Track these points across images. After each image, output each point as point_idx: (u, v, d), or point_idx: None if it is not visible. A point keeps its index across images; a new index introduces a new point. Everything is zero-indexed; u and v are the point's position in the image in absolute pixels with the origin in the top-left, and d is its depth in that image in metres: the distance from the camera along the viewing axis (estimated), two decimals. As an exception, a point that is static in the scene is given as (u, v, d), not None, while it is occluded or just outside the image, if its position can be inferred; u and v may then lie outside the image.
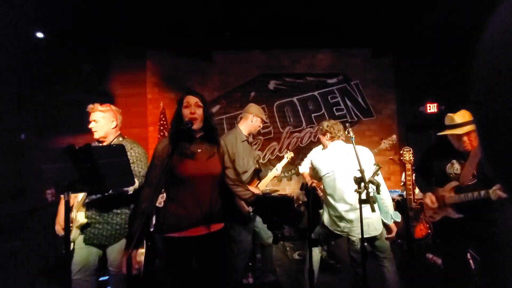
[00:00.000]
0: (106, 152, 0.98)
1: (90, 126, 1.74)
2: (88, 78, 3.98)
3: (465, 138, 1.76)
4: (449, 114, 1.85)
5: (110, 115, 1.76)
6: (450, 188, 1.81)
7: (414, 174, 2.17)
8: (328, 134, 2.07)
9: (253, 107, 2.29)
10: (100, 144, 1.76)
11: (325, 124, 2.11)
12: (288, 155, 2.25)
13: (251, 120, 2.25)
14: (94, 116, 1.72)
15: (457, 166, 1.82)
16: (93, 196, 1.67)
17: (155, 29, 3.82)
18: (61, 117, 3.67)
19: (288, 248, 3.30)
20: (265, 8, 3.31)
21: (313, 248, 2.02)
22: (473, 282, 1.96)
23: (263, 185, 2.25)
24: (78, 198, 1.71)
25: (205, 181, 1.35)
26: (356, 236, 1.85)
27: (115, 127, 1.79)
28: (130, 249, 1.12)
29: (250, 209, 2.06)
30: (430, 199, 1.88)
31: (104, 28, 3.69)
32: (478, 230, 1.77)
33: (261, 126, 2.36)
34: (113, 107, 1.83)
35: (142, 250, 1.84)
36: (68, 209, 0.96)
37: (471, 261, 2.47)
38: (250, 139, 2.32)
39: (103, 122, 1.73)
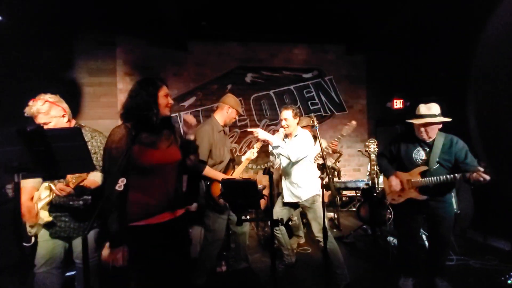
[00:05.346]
0: (60, 135, 0.94)
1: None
2: (51, 65, 3.70)
3: (422, 129, 1.96)
4: (421, 104, 2.00)
5: (58, 110, 1.55)
6: (418, 173, 1.99)
7: (377, 161, 2.34)
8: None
9: (229, 98, 2.29)
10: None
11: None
12: (258, 145, 2.26)
13: (226, 111, 2.25)
14: (40, 119, 1.48)
15: (422, 152, 2.02)
16: (58, 199, 1.58)
17: (127, 14, 3.63)
18: (22, 106, 3.40)
19: (262, 238, 3.39)
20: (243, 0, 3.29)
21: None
22: (423, 257, 2.20)
23: (238, 173, 2.28)
24: (41, 196, 1.60)
25: (168, 169, 1.37)
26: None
27: (68, 120, 1.63)
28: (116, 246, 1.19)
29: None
30: (395, 182, 2.08)
31: (71, 12, 3.45)
32: (432, 208, 2.01)
33: (237, 117, 2.37)
34: (49, 98, 1.53)
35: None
36: (19, 192, 0.91)
37: (424, 236, 2.75)
38: (226, 131, 2.33)
39: (55, 121, 1.53)
